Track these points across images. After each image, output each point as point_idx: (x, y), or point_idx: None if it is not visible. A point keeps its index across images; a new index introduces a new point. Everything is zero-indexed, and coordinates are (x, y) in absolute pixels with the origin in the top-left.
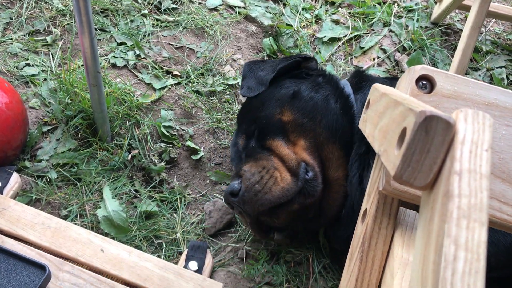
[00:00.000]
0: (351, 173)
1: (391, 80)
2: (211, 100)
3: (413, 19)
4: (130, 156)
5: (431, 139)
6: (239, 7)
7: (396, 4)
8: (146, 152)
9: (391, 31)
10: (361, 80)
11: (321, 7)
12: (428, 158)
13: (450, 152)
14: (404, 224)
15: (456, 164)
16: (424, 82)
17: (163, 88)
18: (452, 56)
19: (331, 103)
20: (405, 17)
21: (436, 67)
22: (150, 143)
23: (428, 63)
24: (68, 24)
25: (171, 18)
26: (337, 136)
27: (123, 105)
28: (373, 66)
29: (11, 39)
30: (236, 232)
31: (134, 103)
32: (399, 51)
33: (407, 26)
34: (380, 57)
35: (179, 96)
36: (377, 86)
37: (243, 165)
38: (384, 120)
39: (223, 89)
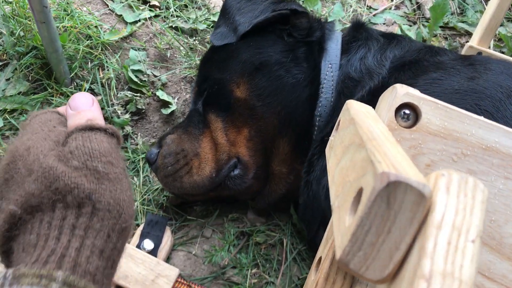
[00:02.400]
0: (304, 172)
1: (388, 42)
2: (192, 40)
3: None
4: None
5: (394, 215)
6: None
7: None
8: (110, 100)
9: None
10: (354, 37)
11: None
12: (388, 242)
13: (420, 238)
14: (363, 284)
15: (425, 262)
16: (407, 112)
17: (136, 22)
18: (487, 2)
19: (300, 91)
20: None
21: (464, 15)
22: (115, 90)
23: (456, 9)
24: None
25: None
26: (294, 131)
27: (85, 42)
28: (390, 9)
29: None
30: (203, 205)
31: (99, 40)
32: None
33: None
34: None
35: (154, 33)
36: (349, 104)
37: (172, 131)
38: (345, 160)
39: (207, 27)
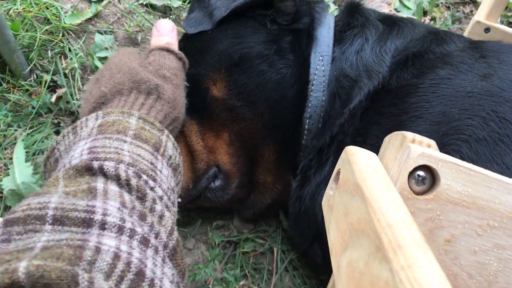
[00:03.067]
0: (296, 185)
1: (389, 30)
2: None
3: None
4: (54, 97)
5: None
6: None
7: None
8: (75, 92)
9: None
10: (349, 24)
11: None
12: None
13: None
14: None
15: None
16: (422, 174)
17: (101, 0)
18: None
19: (286, 88)
20: None
21: None
22: (79, 81)
23: None
24: None
25: None
26: (280, 135)
27: (43, 27)
28: None
29: None
30: (184, 211)
31: (60, 25)
32: None
33: None
34: None
35: (122, 12)
36: (351, 156)
37: None
38: (355, 253)
39: (182, 3)
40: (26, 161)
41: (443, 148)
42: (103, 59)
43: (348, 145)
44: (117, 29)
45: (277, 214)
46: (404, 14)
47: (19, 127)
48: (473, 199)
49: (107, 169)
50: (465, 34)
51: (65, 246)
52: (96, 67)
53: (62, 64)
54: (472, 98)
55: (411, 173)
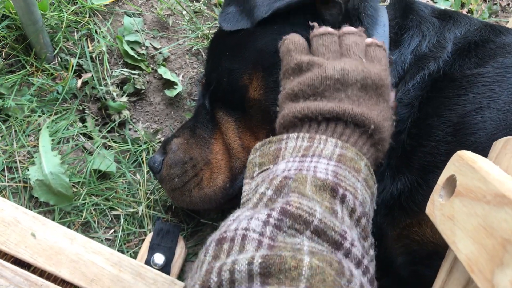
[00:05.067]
0: None
1: (445, 23)
2: (198, 3)
3: None
4: (80, 82)
5: None
6: None
7: None
8: (102, 78)
9: None
10: (404, 26)
11: None
12: None
13: None
14: None
15: None
16: None
17: None
18: None
19: None
20: None
21: None
22: (107, 65)
23: None
24: None
25: None
26: None
27: (70, 8)
28: None
29: None
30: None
31: (87, 5)
32: None
33: None
34: None
35: None
36: (468, 157)
37: (177, 134)
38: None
39: None
40: (52, 149)
41: None
42: (132, 43)
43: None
44: (146, 12)
45: None
46: (442, 6)
47: (43, 113)
48: None
49: (348, 200)
50: None
51: (328, 257)
52: (125, 52)
53: (88, 47)
54: None
55: None
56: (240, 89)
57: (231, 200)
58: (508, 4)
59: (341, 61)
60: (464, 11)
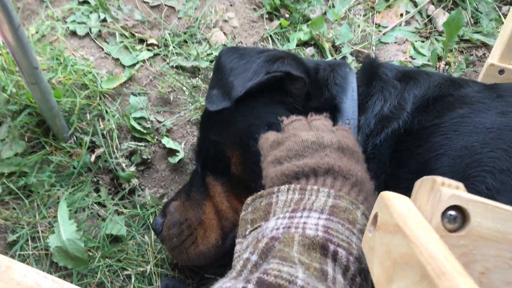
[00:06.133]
0: None
1: (405, 85)
2: (195, 79)
3: None
4: (93, 157)
5: None
6: None
7: None
8: (113, 151)
9: None
10: (368, 94)
11: None
12: None
13: None
14: None
15: None
16: (453, 213)
17: (134, 64)
18: (501, 9)
19: None
20: None
21: (479, 25)
22: (117, 140)
23: (469, 20)
24: None
25: None
26: None
27: (82, 93)
28: (400, 25)
29: None
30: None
31: (97, 90)
32: (433, 4)
33: None
34: (409, 12)
35: (154, 75)
36: (387, 201)
37: (175, 197)
38: (402, 285)
39: (210, 63)
40: (69, 218)
41: (468, 180)
42: (138, 119)
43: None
44: (150, 91)
45: None
46: (420, 61)
47: (61, 187)
48: (503, 234)
49: (340, 256)
50: (480, 76)
51: None
52: (132, 127)
53: (100, 126)
54: (493, 133)
55: (443, 213)
56: (225, 159)
57: (224, 256)
58: (484, 54)
59: (313, 131)
60: (442, 64)
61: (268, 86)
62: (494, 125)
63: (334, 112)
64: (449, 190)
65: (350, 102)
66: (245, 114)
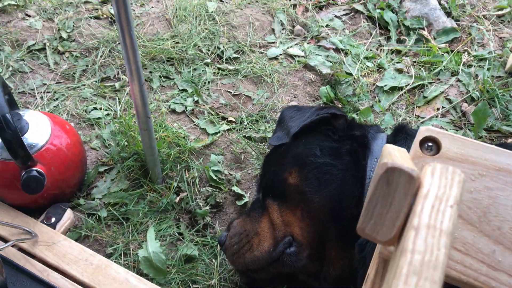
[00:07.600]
0: (357, 251)
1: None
2: (262, 146)
3: (484, 68)
4: (178, 198)
5: (393, 192)
6: (299, 56)
7: (466, 52)
8: (194, 196)
9: (458, 80)
10: (395, 140)
11: (386, 56)
12: (391, 212)
13: (413, 208)
14: None
15: (414, 218)
16: (430, 144)
17: (216, 133)
18: None
19: (343, 183)
20: (476, 66)
21: (508, 120)
22: (198, 186)
23: (499, 115)
24: None
25: (231, 67)
26: (342, 220)
27: (175, 148)
28: (436, 117)
29: (84, 84)
30: (272, 283)
31: (187, 147)
32: (466, 102)
33: (476, 75)
34: (444, 107)
35: (231, 141)
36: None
37: (238, 216)
38: None
39: None
40: (155, 239)
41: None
42: (216, 172)
43: None
44: (227, 152)
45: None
46: None
47: (151, 218)
48: (466, 157)
49: None
50: None
51: None
52: (210, 177)
53: (186, 175)
54: None
55: (422, 144)
56: (283, 181)
57: (274, 262)
58: None
59: None
60: None
61: (318, 125)
62: None
63: (365, 151)
64: (425, 127)
65: (380, 144)
66: (299, 144)
